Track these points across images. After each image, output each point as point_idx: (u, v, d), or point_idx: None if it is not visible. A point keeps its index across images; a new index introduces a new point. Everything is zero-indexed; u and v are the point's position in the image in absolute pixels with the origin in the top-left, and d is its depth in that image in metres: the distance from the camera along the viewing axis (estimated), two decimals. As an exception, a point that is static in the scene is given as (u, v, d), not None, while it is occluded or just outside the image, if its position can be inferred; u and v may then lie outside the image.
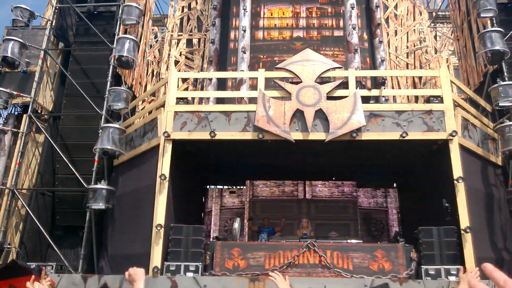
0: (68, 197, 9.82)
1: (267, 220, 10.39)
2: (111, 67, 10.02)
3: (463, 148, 8.24)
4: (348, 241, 8.41)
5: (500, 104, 8.86)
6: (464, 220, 7.58)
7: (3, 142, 9.98)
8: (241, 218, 10.91)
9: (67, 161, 9.56)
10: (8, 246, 9.20)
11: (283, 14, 13.04)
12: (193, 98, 11.05)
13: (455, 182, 7.78)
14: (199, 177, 11.40)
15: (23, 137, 9.88)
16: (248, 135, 8.36)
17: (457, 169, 7.87)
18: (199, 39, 14.21)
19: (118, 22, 10.51)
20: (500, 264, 8.23)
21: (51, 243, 9.21)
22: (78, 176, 9.37)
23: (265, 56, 12.08)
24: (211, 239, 10.29)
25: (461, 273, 3.15)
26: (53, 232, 9.89)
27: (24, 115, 10.12)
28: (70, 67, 10.70)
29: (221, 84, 11.91)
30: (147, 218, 8.11)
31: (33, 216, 9.34)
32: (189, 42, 14.31)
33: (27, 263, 8.46)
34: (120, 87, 9.57)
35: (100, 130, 9.18)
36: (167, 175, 8.09)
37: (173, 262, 7.72)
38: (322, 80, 8.81)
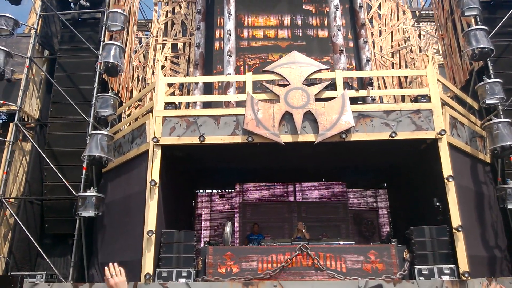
0: (57, 205, 9.71)
1: (257, 227, 10.31)
2: (97, 73, 9.94)
3: (452, 147, 8.29)
4: (341, 242, 8.39)
5: (487, 102, 8.94)
6: (456, 219, 7.61)
7: (-11, 151, 9.80)
8: (232, 222, 10.84)
9: (55, 169, 9.45)
10: (-4, 256, 9.05)
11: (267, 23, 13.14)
12: (180, 103, 11.00)
13: (445, 180, 7.82)
14: (189, 181, 11.33)
15: (10, 146, 9.72)
16: (238, 139, 8.33)
17: (447, 168, 7.91)
18: (184, 43, 14.15)
19: (103, 28, 10.43)
20: (492, 262, 8.29)
21: (41, 251, 9.10)
22: (66, 183, 9.27)
23: (251, 59, 12.08)
24: (202, 244, 10.22)
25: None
26: (43, 240, 9.79)
27: (11, 124, 9.96)
28: (56, 75, 10.59)
29: (208, 88, 11.87)
30: (138, 224, 8.03)
31: (21, 225, 9.20)
32: (174, 47, 14.25)
33: (17, 273, 8.37)
34: (107, 94, 9.49)
35: (88, 137, 9.08)
36: (157, 180, 8.02)
37: (165, 268, 7.67)
38: (309, 82, 8.82)
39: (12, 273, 8.77)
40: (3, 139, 9.90)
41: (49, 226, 9.86)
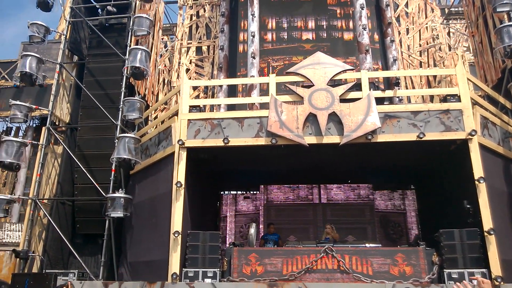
0: (87, 206, 10.02)
1: (272, 227, 10.26)
2: (124, 78, 10.18)
3: (483, 147, 8.03)
4: (367, 245, 8.26)
5: (520, 101, 8.62)
6: (487, 222, 7.37)
7: (24, 154, 10.20)
8: (256, 223, 10.86)
9: (85, 171, 9.74)
10: (32, 254, 9.41)
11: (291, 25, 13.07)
12: (204, 105, 11.13)
13: (476, 182, 7.58)
14: (214, 183, 11.43)
15: (43, 149, 10.10)
16: (261, 141, 8.34)
17: (478, 169, 7.67)
18: (208, 46, 14.30)
19: (130, 33, 10.67)
20: (526, 265, 7.97)
21: (73, 250, 9.42)
22: (96, 185, 9.53)
23: (275, 60, 12.07)
24: (227, 245, 10.28)
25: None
26: (74, 240, 10.12)
27: (43, 128, 10.37)
28: (84, 79, 10.91)
29: (232, 90, 11.95)
30: (165, 225, 8.18)
31: (54, 225, 9.55)
32: (198, 50, 14.43)
33: (51, 271, 8.68)
34: (133, 97, 9.70)
35: (116, 140, 9.30)
36: (183, 182, 8.14)
37: (191, 268, 7.79)
38: (334, 82, 8.74)
39: (46, 271, 9.09)
40: (36, 142, 10.29)
41: (80, 226, 10.19)
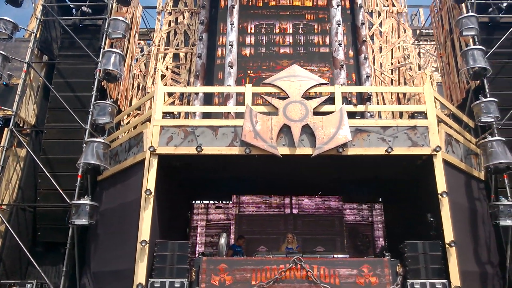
0: (50, 212, 9.61)
1: (243, 241, 10.25)
2: (96, 80, 9.92)
3: (446, 163, 8.37)
4: (334, 255, 8.37)
5: (482, 120, 9.06)
6: (449, 234, 7.66)
7: (-17, 156, 9.73)
8: (227, 233, 10.79)
9: (49, 176, 9.37)
10: (-14, 263, 8.91)
11: (270, 31, 13.18)
12: (179, 113, 11.01)
13: (439, 196, 7.87)
14: (185, 192, 11.28)
15: (4, 151, 9.65)
16: (235, 150, 8.34)
17: (441, 184, 7.97)
18: (186, 54, 14.23)
19: (104, 35, 10.44)
20: (484, 278, 8.32)
21: (31, 259, 8.96)
22: (60, 191, 9.18)
23: (252, 72, 12.15)
24: (196, 255, 10.14)
25: None
26: (34, 249, 9.65)
27: (6, 129, 9.90)
28: (54, 81, 10.55)
29: (208, 99, 11.90)
30: (132, 234, 7.97)
31: (13, 233, 9.08)
32: (175, 56, 14.32)
33: (6, 281, 8.23)
34: (105, 101, 9.45)
35: (84, 145, 9.02)
36: (153, 190, 7.99)
37: (158, 278, 7.60)
38: (308, 95, 8.90)
39: (1, 281, 8.63)
40: (-3, 144, 9.83)
41: (41, 234, 9.75)
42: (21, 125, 10.30)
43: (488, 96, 9.23)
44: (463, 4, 10.42)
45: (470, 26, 9.56)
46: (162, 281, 7.57)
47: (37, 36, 10.78)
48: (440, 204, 7.85)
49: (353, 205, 12.49)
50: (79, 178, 9.04)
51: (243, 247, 10.17)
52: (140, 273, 7.49)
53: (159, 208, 8.35)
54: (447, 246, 7.58)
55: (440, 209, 7.83)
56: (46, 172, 9.45)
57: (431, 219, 8.16)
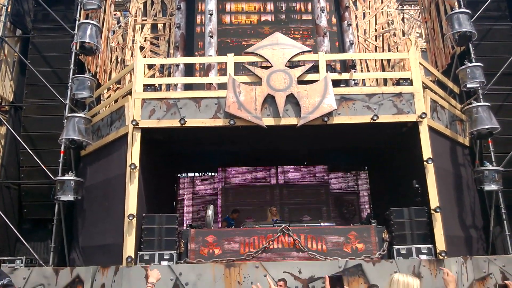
0: (35, 189, 9.51)
1: (237, 215, 10.28)
2: (73, 54, 9.57)
3: (432, 130, 8.38)
4: (321, 224, 8.47)
5: (467, 86, 9.04)
6: (434, 200, 7.75)
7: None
8: (214, 205, 10.81)
9: (31, 153, 9.18)
10: (-26, 242, 8.84)
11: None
12: (160, 85, 10.76)
13: (425, 163, 7.92)
14: (170, 165, 11.20)
15: (-18, 129, 9.39)
16: (219, 122, 8.22)
17: (427, 151, 8.01)
18: (164, 24, 13.79)
19: (79, 7, 10.00)
20: (468, 242, 8.53)
21: (19, 236, 8.90)
22: (44, 168, 9.02)
23: (233, 41, 11.82)
24: (184, 228, 10.18)
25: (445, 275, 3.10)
26: (21, 225, 9.62)
27: (-18, 106, 9.63)
28: (30, 55, 10.20)
29: (189, 70, 11.62)
30: (119, 208, 7.93)
31: (-1, 211, 8.98)
32: (153, 27, 13.88)
33: None
34: (84, 75, 9.18)
35: (65, 120, 8.82)
36: (137, 164, 7.89)
37: (147, 251, 7.63)
38: (292, 64, 8.73)
39: (-11, 258, 8.59)
40: (-26, 122, 9.56)
41: (27, 211, 9.69)
42: (-1, 102, 10.01)
43: (474, 61, 9.17)
44: (449, -34, 10.21)
45: (456, -12, 9.40)
46: (151, 253, 7.61)
47: (9, 10, 10.30)
48: (425, 171, 7.90)
49: (339, 174, 12.58)
50: (62, 154, 8.86)
51: (236, 221, 10.23)
52: (129, 246, 7.50)
53: (145, 182, 8.28)
54: (432, 211, 7.68)
55: (426, 176, 7.89)
56: (28, 149, 9.26)
57: (416, 185, 8.23)
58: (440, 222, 7.65)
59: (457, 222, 8.43)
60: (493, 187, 8.47)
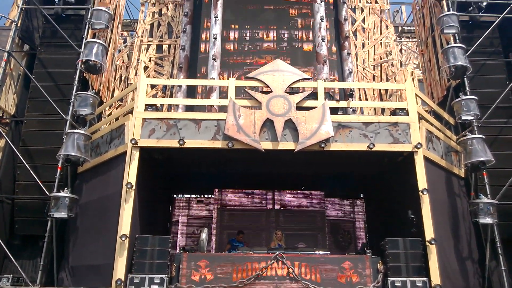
0: (29, 205, 9.41)
1: (242, 236, 10.19)
2: (78, 71, 9.74)
3: (427, 160, 8.45)
4: (316, 252, 8.38)
5: (462, 118, 9.17)
6: (429, 232, 7.72)
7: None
8: (209, 228, 10.72)
9: (28, 167, 9.17)
10: (-40, 256, 8.68)
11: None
12: (162, 105, 10.88)
13: (420, 193, 7.94)
14: (167, 185, 11.19)
15: (-19, 141, 9.42)
16: (218, 144, 8.28)
17: (422, 181, 8.05)
18: (169, 45, 14.11)
19: (87, 26, 10.25)
20: (464, 275, 8.42)
21: (8, 253, 8.75)
22: (40, 183, 8.99)
23: (236, 66, 12.07)
24: (177, 250, 10.06)
25: None
26: (11, 241, 9.45)
27: (-17, 119, 9.68)
28: (35, 70, 10.34)
29: (191, 92, 11.81)
30: (112, 228, 7.87)
31: (-12, 225, 8.89)
32: (159, 48, 14.20)
33: None
34: (87, 92, 9.28)
35: (65, 136, 8.86)
36: (134, 183, 7.89)
37: (137, 274, 7.49)
38: (292, 90, 8.88)
39: (-25, 275, 8.44)
40: (-26, 134, 9.58)
41: (19, 226, 9.55)
42: (0, 114, 10.07)
43: (468, 94, 9.35)
44: (444, 2, 10.55)
45: (451, 24, 9.68)
46: (142, 276, 7.47)
47: (18, 25, 10.55)
48: (421, 201, 7.91)
49: (335, 200, 12.54)
50: (59, 170, 8.87)
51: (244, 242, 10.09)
52: (120, 268, 7.40)
53: (140, 201, 8.25)
54: (427, 243, 7.64)
55: (421, 206, 7.90)
56: (25, 163, 9.25)
57: (411, 216, 8.22)
58: (435, 255, 7.60)
59: (452, 254, 8.35)
60: (488, 220, 8.44)
